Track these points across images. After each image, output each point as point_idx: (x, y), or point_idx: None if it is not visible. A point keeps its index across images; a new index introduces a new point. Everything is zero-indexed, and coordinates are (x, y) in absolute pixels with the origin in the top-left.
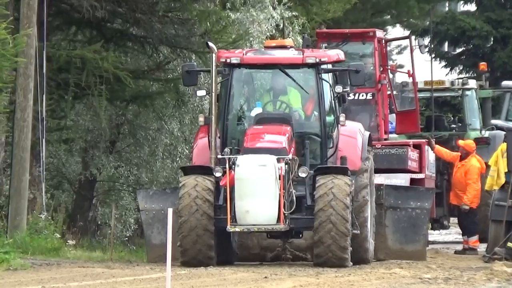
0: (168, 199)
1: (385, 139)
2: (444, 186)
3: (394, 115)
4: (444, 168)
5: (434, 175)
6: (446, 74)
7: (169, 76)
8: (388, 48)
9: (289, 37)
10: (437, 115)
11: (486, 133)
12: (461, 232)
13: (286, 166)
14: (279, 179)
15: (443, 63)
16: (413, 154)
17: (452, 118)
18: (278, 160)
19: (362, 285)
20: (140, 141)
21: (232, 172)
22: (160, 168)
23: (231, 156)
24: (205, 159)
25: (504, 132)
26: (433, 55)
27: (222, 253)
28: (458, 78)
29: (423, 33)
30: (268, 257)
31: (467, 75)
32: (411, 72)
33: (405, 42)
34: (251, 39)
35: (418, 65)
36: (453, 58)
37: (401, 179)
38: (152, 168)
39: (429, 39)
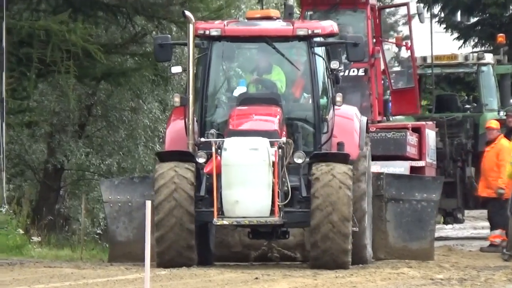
0: (137, 190)
1: (379, 122)
2: (458, 175)
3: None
4: (457, 154)
5: (435, 162)
6: (459, 47)
7: (146, 49)
8: (393, 19)
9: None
10: (449, 94)
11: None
12: (484, 227)
13: (280, 150)
14: (272, 165)
15: (456, 35)
16: (412, 138)
17: (466, 98)
18: (271, 144)
19: (366, 287)
20: (114, 124)
21: (218, 157)
22: (143, 153)
23: (217, 140)
24: (180, 146)
25: None
26: (444, 26)
27: (200, 252)
28: (472, 52)
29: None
30: (252, 257)
31: (483, 48)
32: (408, 45)
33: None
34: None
35: (427, 37)
36: (467, 29)
37: (400, 167)
38: (132, 154)
39: (436, 7)
